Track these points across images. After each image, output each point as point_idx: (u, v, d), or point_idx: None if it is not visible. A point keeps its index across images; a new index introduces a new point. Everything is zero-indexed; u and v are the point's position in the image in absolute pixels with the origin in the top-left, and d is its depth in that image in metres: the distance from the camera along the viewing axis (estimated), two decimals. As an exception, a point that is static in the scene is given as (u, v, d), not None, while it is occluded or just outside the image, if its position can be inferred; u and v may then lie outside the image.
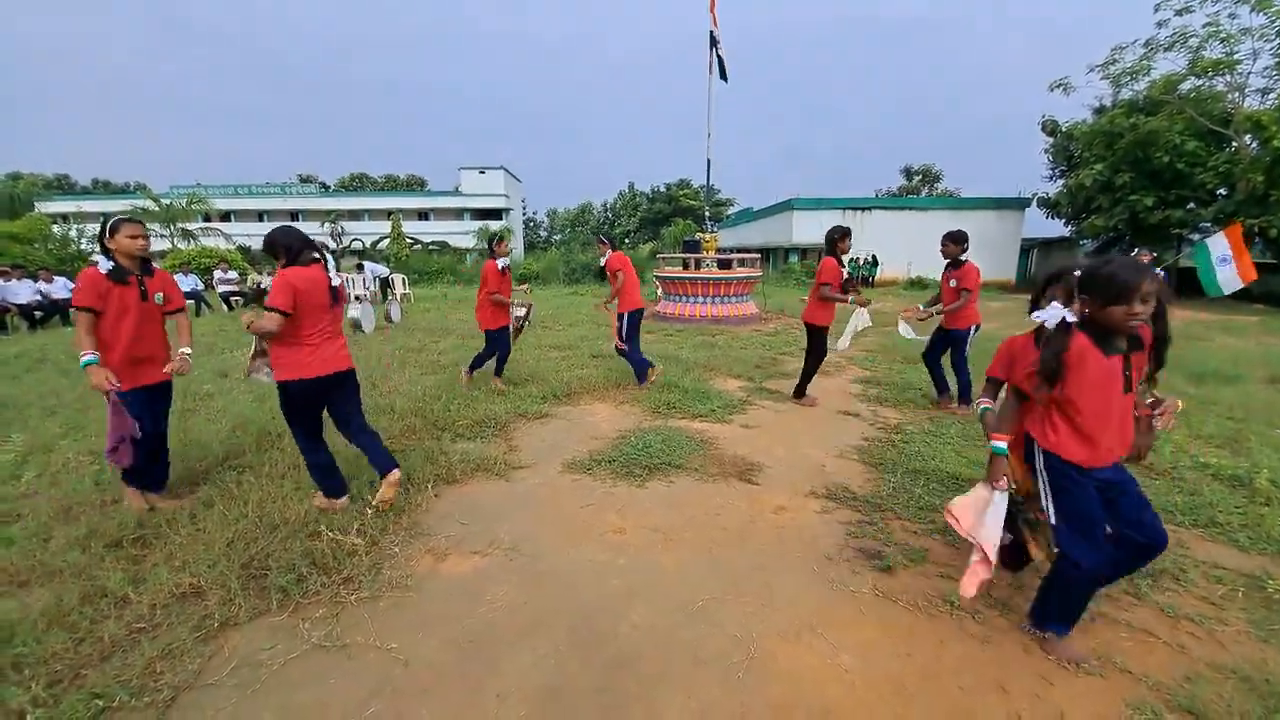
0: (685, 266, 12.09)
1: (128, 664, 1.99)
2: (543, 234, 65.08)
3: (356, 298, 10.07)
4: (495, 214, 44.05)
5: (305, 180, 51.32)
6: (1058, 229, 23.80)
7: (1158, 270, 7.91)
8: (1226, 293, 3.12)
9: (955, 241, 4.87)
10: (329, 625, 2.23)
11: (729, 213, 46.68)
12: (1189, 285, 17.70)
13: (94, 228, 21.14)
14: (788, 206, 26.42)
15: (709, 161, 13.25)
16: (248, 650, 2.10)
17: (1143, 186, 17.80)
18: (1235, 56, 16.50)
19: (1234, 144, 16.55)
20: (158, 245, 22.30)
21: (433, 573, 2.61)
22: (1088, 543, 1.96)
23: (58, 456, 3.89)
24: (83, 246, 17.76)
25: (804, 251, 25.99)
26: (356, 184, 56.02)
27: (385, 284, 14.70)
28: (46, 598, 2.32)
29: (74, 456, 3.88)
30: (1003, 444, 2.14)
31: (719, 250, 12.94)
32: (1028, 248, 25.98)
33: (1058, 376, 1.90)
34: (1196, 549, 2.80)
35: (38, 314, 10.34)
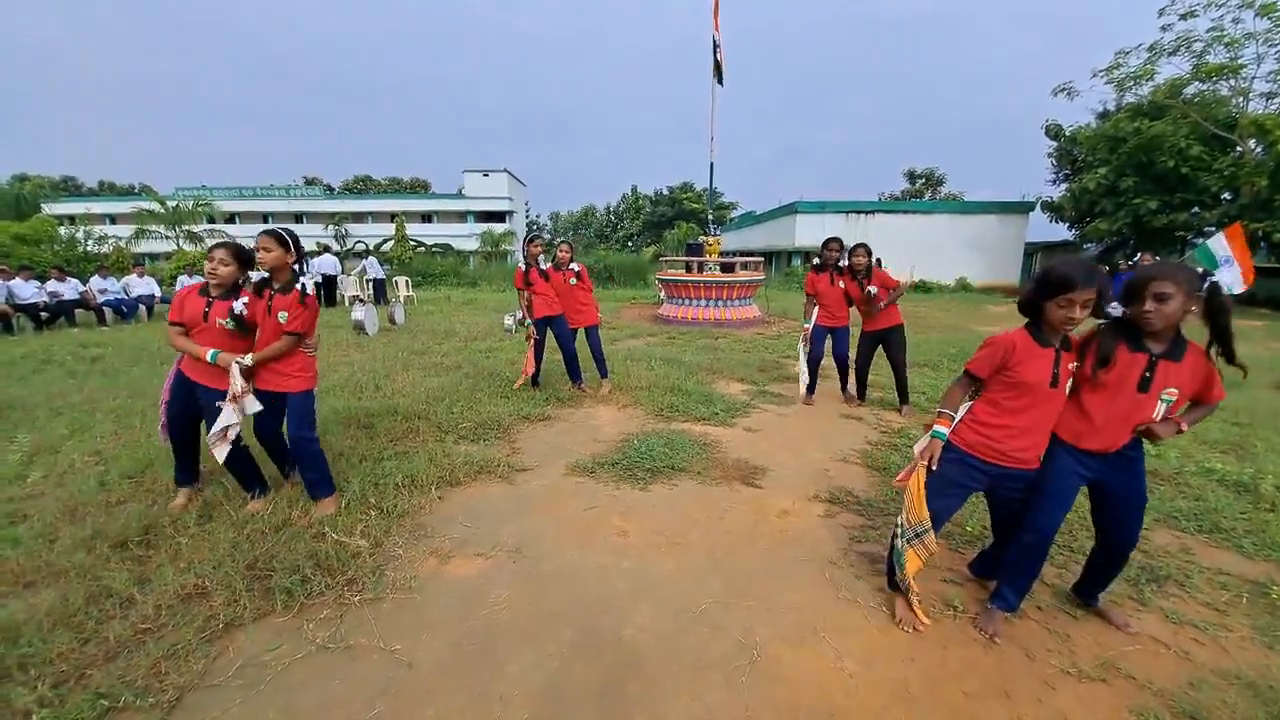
0: (688, 269, 12.10)
1: (133, 664, 2.00)
2: (546, 236, 65.24)
3: (359, 300, 10.10)
4: (499, 216, 44.16)
5: (310, 182, 51.53)
6: (1061, 233, 23.75)
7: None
8: (1236, 292, 3.11)
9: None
10: (333, 627, 2.24)
11: (732, 216, 46.71)
12: (1193, 290, 17.66)
13: (100, 229, 21.28)
14: (790, 210, 26.43)
15: (711, 165, 13.30)
16: (252, 651, 2.11)
17: (1147, 190, 17.76)
18: (1239, 61, 16.48)
19: (1238, 148, 16.51)
20: (163, 247, 22.50)
21: (436, 575, 2.62)
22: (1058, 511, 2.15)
23: (64, 457, 3.91)
24: (89, 248, 17.82)
25: (806, 255, 25.99)
26: (360, 186, 56.23)
27: (379, 286, 14.73)
28: (52, 598, 2.33)
29: (80, 457, 3.90)
30: (945, 428, 2.19)
31: (722, 253, 12.96)
32: (1031, 251, 25.92)
33: (1108, 359, 2.01)
34: (1201, 555, 2.79)
35: (44, 315, 10.39)
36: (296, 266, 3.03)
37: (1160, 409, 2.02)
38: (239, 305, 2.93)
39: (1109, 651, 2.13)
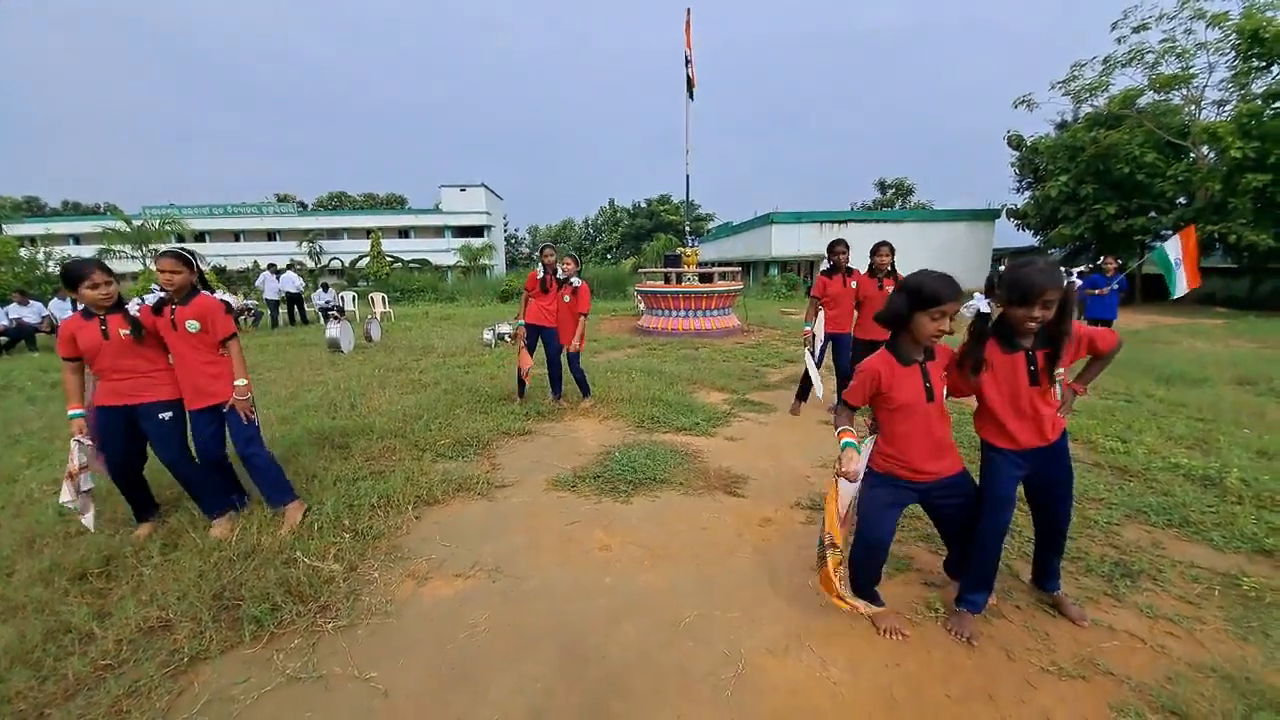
0: (667, 281, 12.16)
1: (93, 703, 1.91)
2: (524, 250, 65.21)
3: (334, 317, 9.92)
4: (477, 231, 43.98)
5: (283, 199, 50.74)
6: (1027, 239, 24.42)
7: (1118, 277, 8.15)
8: (1177, 295, 3.23)
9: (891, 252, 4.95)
10: (305, 656, 2.16)
11: (709, 227, 47.19)
12: (1152, 291, 18.30)
13: (63, 249, 20.67)
14: (767, 220, 26.79)
15: (688, 177, 13.41)
16: (219, 685, 2.02)
17: (1106, 197, 18.39)
18: (1191, 71, 17.21)
19: (1192, 154, 17.19)
20: (129, 267, 21.90)
21: (414, 597, 2.55)
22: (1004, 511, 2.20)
23: (21, 487, 3.75)
24: (50, 269, 17.29)
25: (784, 264, 26.31)
26: (335, 203, 55.61)
27: (295, 301, 14.38)
28: (9, 634, 2.23)
29: (38, 486, 3.75)
30: (853, 438, 2.17)
31: (700, 264, 13.05)
32: (999, 257, 26.59)
33: (980, 365, 2.10)
34: (1172, 549, 2.85)
35: (3, 339, 10.01)
36: (195, 281, 3.00)
37: (1057, 390, 2.13)
38: (132, 307, 2.88)
39: (1087, 648, 2.15)
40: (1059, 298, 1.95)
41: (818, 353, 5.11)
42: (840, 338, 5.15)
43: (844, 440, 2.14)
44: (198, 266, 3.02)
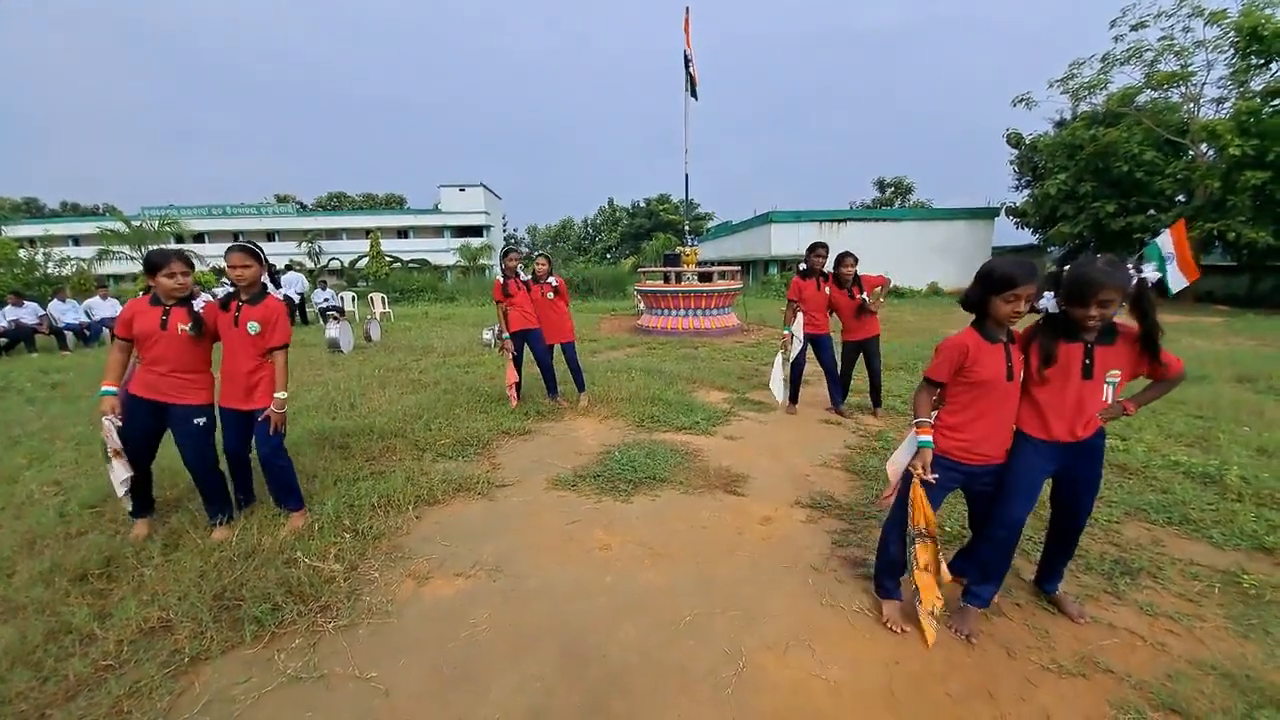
0: (666, 280, 12.16)
1: (94, 703, 1.91)
2: (523, 250, 65.15)
3: (333, 317, 9.91)
4: (476, 231, 43.93)
5: (282, 200, 50.67)
6: (1026, 237, 24.42)
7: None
8: (1174, 290, 3.20)
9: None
10: (305, 656, 2.16)
11: (708, 226, 47.16)
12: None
13: (62, 251, 20.63)
14: (766, 219, 26.75)
15: (687, 176, 13.41)
16: (220, 685, 2.02)
17: (1105, 195, 18.38)
18: (1190, 68, 17.19)
19: (1190, 152, 17.18)
20: (129, 268, 21.92)
21: (414, 597, 2.55)
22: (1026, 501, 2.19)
23: (21, 488, 3.75)
24: (49, 270, 17.26)
25: (783, 263, 26.30)
26: (334, 203, 55.56)
27: (295, 304, 13.97)
28: (10, 635, 2.23)
29: (38, 487, 3.74)
30: (929, 436, 2.18)
31: (699, 263, 13.05)
32: (999, 255, 26.59)
33: (1050, 359, 2.07)
34: (1172, 546, 2.85)
35: (2, 341, 9.99)
36: (265, 279, 3.01)
37: (1107, 392, 2.11)
38: (198, 303, 2.88)
39: (1087, 646, 2.15)
40: (1118, 297, 1.93)
41: (796, 355, 5.20)
42: (819, 338, 5.25)
43: (921, 438, 2.17)
44: (267, 262, 3.00)
